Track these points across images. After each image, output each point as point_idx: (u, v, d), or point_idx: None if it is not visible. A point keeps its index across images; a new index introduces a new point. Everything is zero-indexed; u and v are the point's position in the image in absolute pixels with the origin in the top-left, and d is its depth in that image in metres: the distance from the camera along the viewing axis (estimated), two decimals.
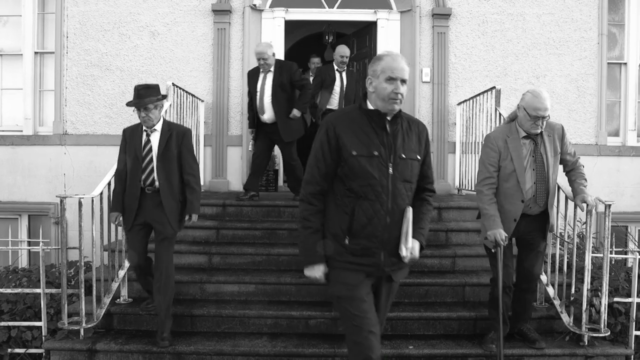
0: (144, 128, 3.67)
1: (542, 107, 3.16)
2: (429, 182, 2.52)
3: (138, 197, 3.61)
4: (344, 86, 5.88)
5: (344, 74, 5.91)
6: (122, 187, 3.67)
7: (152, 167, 3.61)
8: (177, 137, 3.66)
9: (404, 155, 2.33)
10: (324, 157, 2.33)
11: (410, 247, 2.32)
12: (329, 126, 2.34)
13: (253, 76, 5.26)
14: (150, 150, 3.63)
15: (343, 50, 5.90)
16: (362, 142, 2.29)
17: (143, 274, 3.81)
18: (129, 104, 3.63)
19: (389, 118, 2.33)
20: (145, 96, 3.56)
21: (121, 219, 3.70)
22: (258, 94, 5.15)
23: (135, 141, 3.66)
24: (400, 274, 2.48)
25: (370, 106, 2.36)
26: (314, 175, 2.35)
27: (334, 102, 5.87)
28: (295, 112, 5.09)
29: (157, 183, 3.61)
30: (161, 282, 3.59)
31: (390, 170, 2.30)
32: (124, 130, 3.76)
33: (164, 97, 3.79)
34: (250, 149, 5.54)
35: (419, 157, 2.41)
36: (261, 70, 5.15)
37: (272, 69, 5.13)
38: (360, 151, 2.28)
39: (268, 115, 5.12)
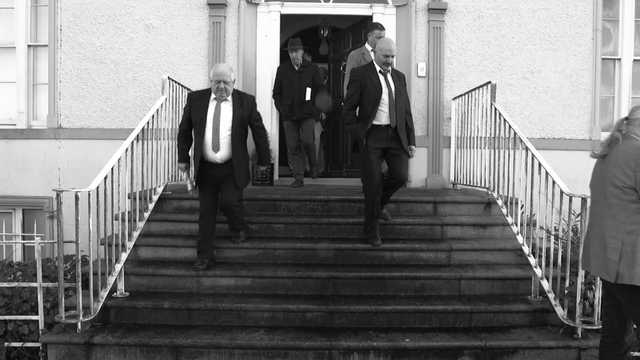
0: None
1: None
2: None
3: None
4: (394, 94, 4.31)
5: (389, 77, 4.37)
6: None
7: None
8: None
9: None
10: None
11: None
12: None
13: (199, 101, 4.17)
14: None
15: (389, 47, 4.29)
16: None
17: None
18: None
19: None
20: None
21: None
22: (211, 126, 4.09)
23: None
24: None
25: None
26: None
27: (382, 118, 4.29)
28: (263, 168, 4.25)
29: None
30: None
31: None
32: None
33: None
34: (189, 189, 4.36)
35: None
36: (214, 96, 4.12)
37: (229, 97, 4.17)
38: None
39: (223, 153, 4.11)
